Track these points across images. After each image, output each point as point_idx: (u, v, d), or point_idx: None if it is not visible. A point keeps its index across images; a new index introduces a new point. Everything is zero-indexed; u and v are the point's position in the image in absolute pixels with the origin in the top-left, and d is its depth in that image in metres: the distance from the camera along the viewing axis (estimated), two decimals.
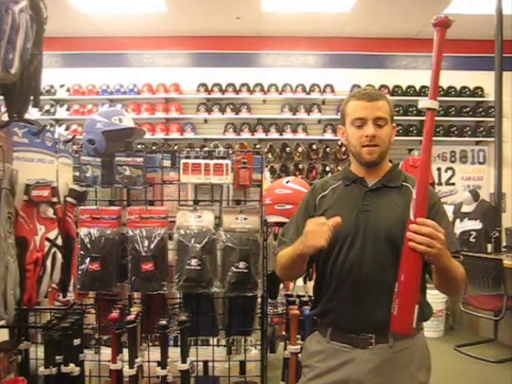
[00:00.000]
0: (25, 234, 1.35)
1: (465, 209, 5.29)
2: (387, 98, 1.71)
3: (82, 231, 2.10)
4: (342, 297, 1.63)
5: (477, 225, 5.11)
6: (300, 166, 6.97)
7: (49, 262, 1.43)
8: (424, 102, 1.50)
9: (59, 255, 1.49)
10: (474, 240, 5.06)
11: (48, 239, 1.44)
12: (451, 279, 1.55)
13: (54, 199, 1.51)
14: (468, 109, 7.14)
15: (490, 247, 4.97)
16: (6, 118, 1.32)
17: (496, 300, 4.28)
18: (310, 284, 2.69)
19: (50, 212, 1.47)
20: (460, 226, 5.21)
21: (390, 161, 1.79)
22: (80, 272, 2.08)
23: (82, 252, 2.08)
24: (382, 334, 1.59)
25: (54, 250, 1.46)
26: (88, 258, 2.08)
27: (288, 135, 7.01)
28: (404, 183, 1.69)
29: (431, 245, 1.39)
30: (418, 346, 1.65)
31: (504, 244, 5.01)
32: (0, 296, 1.20)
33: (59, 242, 1.51)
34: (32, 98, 1.38)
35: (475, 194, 5.36)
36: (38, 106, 1.42)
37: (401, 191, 1.68)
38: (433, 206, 1.62)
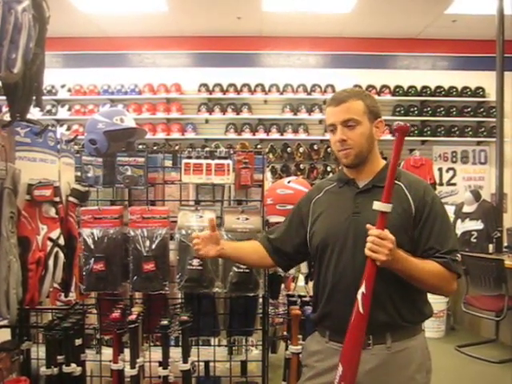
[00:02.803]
0: (27, 233, 1.35)
1: (466, 209, 5.29)
2: (361, 96, 1.66)
3: (85, 232, 2.09)
4: (338, 300, 1.63)
5: (478, 225, 5.11)
6: (301, 166, 6.97)
7: (51, 262, 1.42)
8: (378, 205, 1.49)
9: (61, 255, 1.49)
10: (475, 240, 5.06)
11: (50, 239, 1.44)
12: (419, 282, 1.56)
13: (56, 199, 1.51)
14: (469, 109, 7.14)
15: (491, 247, 4.97)
16: (8, 117, 1.32)
17: (497, 300, 4.28)
18: (312, 284, 2.69)
19: (52, 212, 1.47)
20: (461, 227, 5.21)
21: (385, 158, 1.77)
22: (85, 273, 2.07)
23: (85, 253, 2.08)
24: (379, 334, 1.59)
25: (56, 249, 1.46)
26: (92, 259, 2.07)
27: (289, 135, 7.02)
28: (396, 182, 1.63)
29: (375, 251, 1.44)
30: (417, 348, 1.63)
31: (505, 244, 5.00)
32: (2, 295, 1.20)
33: (61, 241, 1.51)
34: (34, 97, 1.38)
35: (476, 195, 5.36)
36: (40, 105, 1.42)
37: (393, 190, 1.65)
38: (424, 205, 1.61)
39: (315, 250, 1.71)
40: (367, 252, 1.46)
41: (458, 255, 1.61)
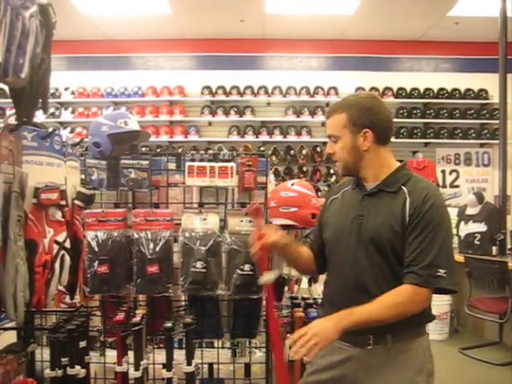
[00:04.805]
0: (34, 236, 1.35)
1: (469, 211, 5.28)
2: (347, 108, 1.65)
3: (89, 234, 2.11)
4: (340, 300, 1.64)
5: (481, 227, 5.09)
6: (304, 169, 6.98)
7: (57, 265, 1.43)
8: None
9: (67, 258, 1.50)
10: (478, 242, 5.05)
11: (57, 242, 1.45)
12: (382, 322, 1.52)
13: (63, 202, 1.52)
14: (472, 111, 7.14)
15: (494, 250, 4.95)
16: (15, 121, 1.34)
17: (501, 302, 4.26)
18: (315, 286, 2.69)
19: (59, 215, 1.48)
20: (464, 229, 5.20)
21: (401, 161, 1.76)
22: (89, 275, 2.09)
23: (89, 255, 2.09)
24: (379, 336, 1.60)
25: (62, 252, 1.47)
26: (96, 261, 2.09)
27: (292, 138, 7.03)
28: (402, 187, 1.62)
29: (307, 350, 1.42)
30: (418, 350, 1.63)
31: (509, 246, 4.99)
32: (10, 298, 1.21)
33: (67, 244, 1.52)
34: (40, 101, 1.39)
35: (480, 197, 5.35)
36: (46, 109, 1.43)
37: (397, 196, 1.62)
38: (418, 214, 1.55)
39: (326, 248, 1.77)
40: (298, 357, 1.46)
41: (441, 270, 1.51)
